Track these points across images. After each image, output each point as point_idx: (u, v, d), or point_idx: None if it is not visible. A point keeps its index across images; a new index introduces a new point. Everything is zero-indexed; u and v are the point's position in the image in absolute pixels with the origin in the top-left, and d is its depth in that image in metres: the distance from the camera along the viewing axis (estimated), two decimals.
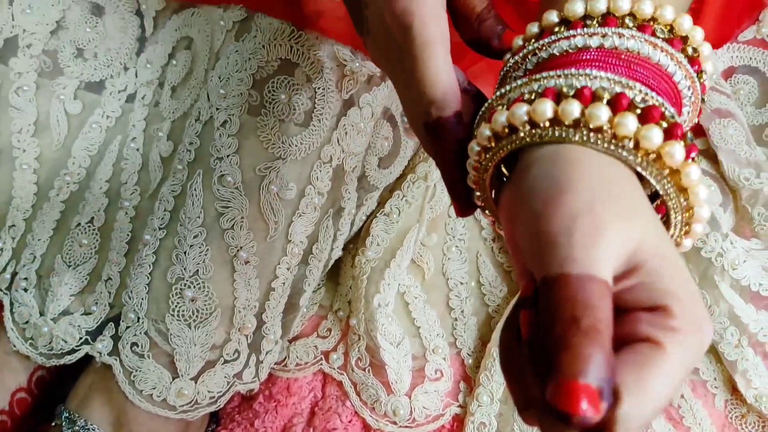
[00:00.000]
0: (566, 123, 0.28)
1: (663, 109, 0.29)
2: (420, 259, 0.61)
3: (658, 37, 0.32)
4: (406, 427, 0.58)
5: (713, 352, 0.57)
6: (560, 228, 0.25)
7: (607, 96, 0.28)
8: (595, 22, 0.33)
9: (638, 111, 0.28)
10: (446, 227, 0.62)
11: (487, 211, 0.34)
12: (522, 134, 0.29)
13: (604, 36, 0.32)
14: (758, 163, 0.59)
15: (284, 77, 0.53)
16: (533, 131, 0.29)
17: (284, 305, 0.56)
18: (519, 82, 0.31)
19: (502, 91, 0.32)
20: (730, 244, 0.56)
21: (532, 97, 0.30)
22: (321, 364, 0.62)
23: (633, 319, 0.26)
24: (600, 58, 0.31)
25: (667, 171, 0.28)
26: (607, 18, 0.32)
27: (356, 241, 0.64)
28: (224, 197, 0.52)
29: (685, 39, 0.33)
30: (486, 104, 0.33)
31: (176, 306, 0.51)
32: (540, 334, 0.25)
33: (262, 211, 0.52)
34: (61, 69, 0.59)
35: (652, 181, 0.28)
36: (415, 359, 0.60)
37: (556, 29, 0.33)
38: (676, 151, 0.27)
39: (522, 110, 0.29)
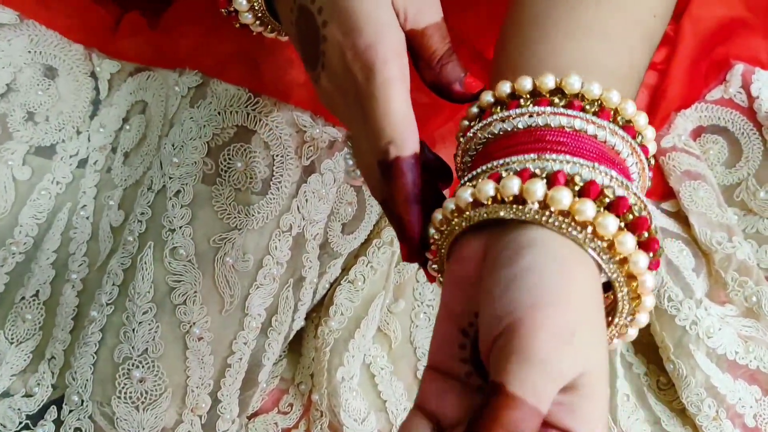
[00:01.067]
0: (506, 199, 0.30)
1: (631, 202, 0.31)
2: (386, 327, 0.60)
3: (588, 112, 0.34)
4: None
5: (691, 425, 0.56)
6: (537, 347, 0.27)
7: (579, 182, 0.31)
8: (528, 101, 0.35)
9: (606, 200, 0.30)
10: (414, 292, 0.61)
11: (434, 266, 0.35)
12: (478, 212, 0.31)
13: (537, 115, 0.34)
14: (729, 226, 0.59)
15: (241, 145, 0.52)
16: (497, 207, 0.31)
17: (241, 381, 0.54)
18: (472, 173, 0.33)
19: (473, 173, 0.34)
20: (705, 310, 0.56)
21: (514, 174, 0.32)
22: None
23: None
24: (534, 139, 0.33)
25: (618, 258, 0.30)
26: (540, 99, 0.34)
27: (320, 310, 0.62)
28: (176, 271, 0.51)
29: (615, 111, 0.35)
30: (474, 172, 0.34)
31: (123, 387, 0.49)
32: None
33: (217, 284, 0.51)
34: (10, 133, 0.57)
35: (604, 267, 0.30)
36: None
37: (493, 109, 0.35)
38: (627, 240, 0.30)
39: (489, 186, 0.31)
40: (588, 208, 0.29)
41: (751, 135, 0.61)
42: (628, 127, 0.35)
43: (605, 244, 0.30)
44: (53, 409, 0.51)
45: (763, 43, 0.64)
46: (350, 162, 0.40)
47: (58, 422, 0.50)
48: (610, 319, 0.32)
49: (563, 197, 0.29)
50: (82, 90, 0.60)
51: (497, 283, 0.29)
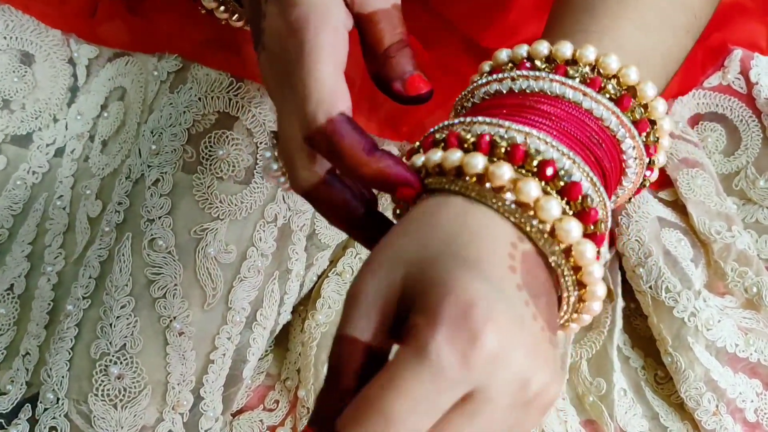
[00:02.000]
0: (468, 175, 0.29)
1: (585, 189, 0.30)
2: None
3: (607, 90, 0.33)
4: None
5: (690, 420, 0.55)
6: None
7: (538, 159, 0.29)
8: (544, 66, 0.34)
9: (560, 184, 0.29)
10: None
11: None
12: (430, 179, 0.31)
13: (536, 79, 0.33)
14: (729, 215, 0.58)
15: (222, 131, 0.52)
16: (435, 178, 0.30)
17: (225, 378, 0.53)
18: (455, 121, 0.32)
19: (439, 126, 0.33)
20: (704, 302, 0.55)
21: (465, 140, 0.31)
22: None
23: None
24: (525, 104, 0.32)
25: (559, 247, 0.29)
26: (556, 65, 0.33)
27: (307, 303, 0.61)
28: (155, 263, 0.50)
29: (633, 93, 0.33)
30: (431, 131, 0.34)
31: (100, 385, 0.48)
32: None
33: (198, 277, 0.51)
34: None
35: (546, 254, 0.29)
36: None
37: (504, 67, 0.34)
38: (572, 228, 0.28)
39: (436, 156, 0.30)
40: (506, 173, 0.28)
41: (750, 122, 0.61)
42: (640, 121, 0.34)
43: (546, 227, 0.29)
44: (28, 407, 0.50)
45: (762, 28, 0.63)
46: (267, 155, 0.37)
47: (33, 421, 0.49)
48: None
49: (503, 172, 0.28)
50: (60, 76, 0.59)
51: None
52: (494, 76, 0.34)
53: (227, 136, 0.51)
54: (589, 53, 0.33)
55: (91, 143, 0.59)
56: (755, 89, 0.60)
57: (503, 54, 0.35)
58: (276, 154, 0.35)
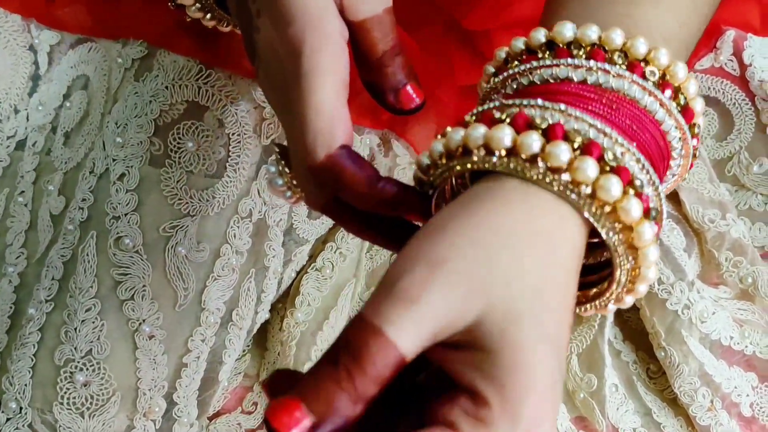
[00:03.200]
0: (523, 157, 0.28)
1: (635, 170, 0.29)
2: None
3: (648, 80, 0.31)
4: None
5: (684, 416, 0.56)
6: (397, 268, 0.26)
7: (579, 140, 0.28)
8: (582, 53, 0.32)
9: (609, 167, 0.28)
10: None
11: None
12: (475, 158, 0.28)
13: (588, 70, 0.31)
14: (723, 202, 0.58)
15: (192, 122, 0.51)
16: (486, 157, 0.28)
17: (200, 381, 0.53)
18: (491, 105, 0.31)
19: (476, 111, 0.31)
20: (697, 293, 0.55)
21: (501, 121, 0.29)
22: None
23: (450, 402, 0.26)
24: (582, 94, 0.31)
25: (619, 226, 0.28)
26: (595, 50, 0.32)
27: (285, 300, 0.61)
28: (122, 263, 0.49)
29: (677, 89, 0.32)
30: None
31: (66, 392, 0.48)
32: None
33: (169, 277, 0.50)
34: None
35: (603, 235, 0.28)
36: None
37: (540, 54, 0.33)
38: (633, 207, 0.27)
39: (479, 132, 0.28)
40: (589, 168, 0.27)
41: (743, 105, 0.60)
42: (685, 109, 0.32)
43: (610, 215, 0.28)
44: None
45: (755, 7, 0.62)
46: (272, 169, 0.37)
47: None
48: (606, 286, 0.31)
49: (562, 152, 0.27)
50: (20, 64, 0.58)
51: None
52: (561, 60, 0.32)
53: (197, 127, 0.51)
54: (641, 45, 0.32)
55: (53, 135, 0.58)
56: (748, 71, 0.59)
57: (541, 34, 0.33)
58: (281, 168, 0.35)
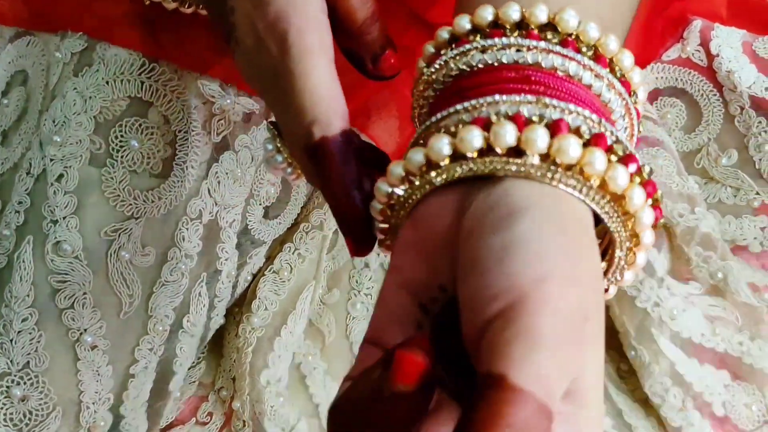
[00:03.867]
0: (500, 151, 0.27)
1: (609, 136, 0.29)
2: (319, 320, 0.59)
3: (585, 55, 0.31)
4: None
5: (656, 416, 0.55)
6: (543, 329, 0.23)
7: (586, 134, 0.28)
8: (514, 33, 0.32)
9: (583, 139, 0.28)
10: (350, 281, 0.60)
11: (387, 243, 0.33)
12: (472, 164, 0.28)
13: (528, 50, 0.31)
14: (691, 196, 0.58)
15: (135, 119, 0.50)
16: (476, 161, 0.27)
17: (149, 393, 0.52)
18: (443, 113, 0.30)
19: (432, 120, 0.30)
20: (667, 290, 0.55)
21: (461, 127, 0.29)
22: None
23: None
24: (522, 78, 0.30)
25: (609, 197, 0.28)
26: (528, 31, 0.32)
27: (241, 305, 0.60)
28: (60, 269, 0.48)
29: (611, 61, 0.32)
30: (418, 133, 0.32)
31: (2, 408, 0.47)
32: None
33: (112, 284, 0.49)
34: None
35: (597, 210, 0.28)
36: None
37: (471, 37, 0.32)
38: (619, 174, 0.27)
39: (474, 134, 0.28)
40: (598, 159, 0.27)
41: (711, 97, 0.60)
42: (623, 81, 0.32)
43: (612, 198, 0.28)
44: None
45: None
46: (269, 147, 0.37)
47: None
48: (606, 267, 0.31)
49: (571, 147, 0.26)
50: None
51: (487, 252, 0.25)
52: (497, 40, 0.31)
53: (140, 124, 0.50)
54: (592, 30, 0.31)
55: None
56: (716, 62, 0.60)
57: (465, 20, 0.33)
58: (278, 145, 0.36)
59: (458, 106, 0.29)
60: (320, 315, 0.59)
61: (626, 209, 0.28)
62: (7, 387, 0.47)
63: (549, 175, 0.27)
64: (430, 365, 0.22)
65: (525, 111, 0.28)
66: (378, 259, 0.59)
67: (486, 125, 0.28)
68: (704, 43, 0.60)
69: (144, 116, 0.50)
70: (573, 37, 0.31)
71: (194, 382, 0.59)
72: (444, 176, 0.28)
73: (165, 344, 0.52)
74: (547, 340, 0.23)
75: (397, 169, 0.29)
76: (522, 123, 0.27)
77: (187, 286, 0.52)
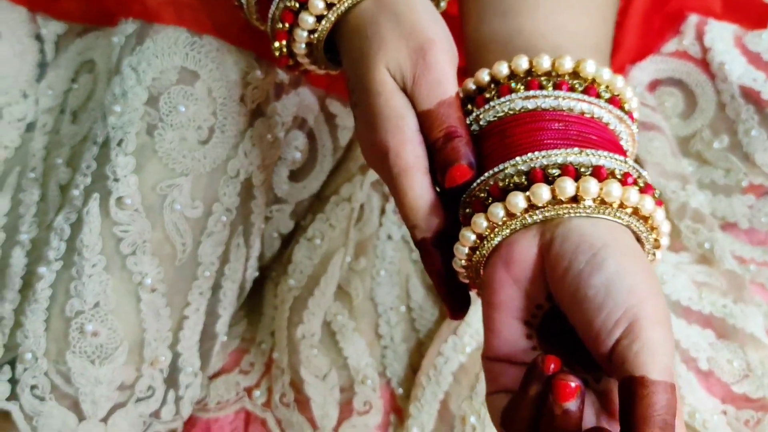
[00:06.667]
0: (564, 200, 0.36)
1: (633, 172, 0.37)
2: (347, 284, 0.62)
3: (602, 98, 0.39)
4: None
5: None
6: (655, 337, 0.32)
7: (618, 174, 0.37)
8: (549, 82, 0.39)
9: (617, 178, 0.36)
10: (375, 250, 0.62)
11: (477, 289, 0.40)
12: (541, 214, 0.36)
13: (562, 100, 0.38)
14: (684, 175, 0.61)
15: (182, 87, 0.53)
16: (548, 208, 0.36)
17: (200, 333, 0.55)
18: (497, 169, 0.37)
19: (493, 171, 0.37)
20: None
21: (518, 181, 0.37)
22: (243, 402, 0.61)
23: None
24: (562, 125, 0.38)
25: (640, 218, 0.37)
26: (559, 81, 0.39)
27: (278, 268, 0.64)
28: (123, 221, 0.51)
29: (618, 97, 0.40)
30: (465, 197, 0.39)
31: (77, 342, 0.50)
32: (625, 424, 0.31)
33: (167, 234, 0.52)
34: None
35: (635, 230, 0.37)
36: (342, 392, 0.59)
37: (512, 83, 0.39)
38: (647, 203, 0.36)
39: (518, 198, 0.36)
40: (633, 195, 0.35)
41: (705, 86, 0.63)
42: (628, 112, 0.41)
43: (642, 219, 0.36)
44: (7, 368, 0.51)
45: None
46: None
47: (14, 381, 0.50)
48: None
49: (614, 190, 0.35)
50: (28, 53, 0.61)
51: (595, 291, 0.33)
52: (538, 92, 0.39)
53: (187, 93, 0.53)
54: (605, 74, 0.39)
55: (62, 116, 0.60)
56: (709, 54, 0.63)
57: (503, 67, 0.40)
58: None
59: (518, 159, 0.36)
60: (348, 280, 0.61)
61: (653, 225, 0.37)
62: (81, 323, 0.49)
63: (602, 211, 0.35)
64: (581, 383, 0.31)
65: (572, 159, 0.36)
66: (399, 231, 0.62)
67: (546, 179, 0.35)
68: (699, 37, 0.63)
69: (191, 86, 0.53)
70: (590, 81, 0.38)
71: (237, 337, 0.63)
72: (523, 222, 0.36)
73: (211, 289, 0.55)
74: (661, 343, 0.31)
75: (479, 220, 0.37)
76: (573, 175, 0.35)
77: (227, 237, 0.55)
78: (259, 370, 0.62)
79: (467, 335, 0.57)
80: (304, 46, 0.45)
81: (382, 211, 0.64)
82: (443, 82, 0.39)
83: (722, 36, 0.64)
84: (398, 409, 0.59)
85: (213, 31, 0.54)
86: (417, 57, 0.39)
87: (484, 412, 0.54)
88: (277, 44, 0.45)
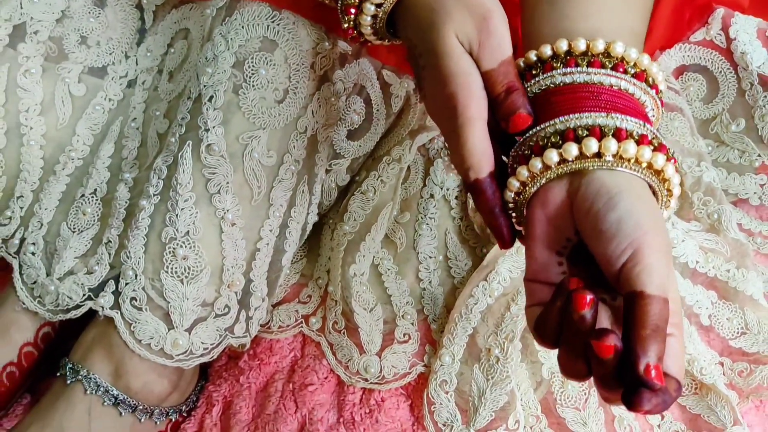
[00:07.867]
0: (589, 155, 0.41)
1: (649, 134, 0.41)
2: (393, 234, 0.66)
3: (628, 73, 0.43)
4: (376, 383, 0.62)
5: None
6: (654, 262, 0.36)
7: (636, 135, 0.42)
8: (584, 60, 0.44)
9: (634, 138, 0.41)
10: (418, 206, 0.66)
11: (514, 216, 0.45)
12: (569, 166, 0.41)
13: (594, 75, 0.43)
14: (700, 153, 0.64)
15: (263, 54, 0.57)
16: (590, 161, 0.41)
17: (268, 265, 0.59)
18: (539, 128, 0.43)
19: (538, 128, 0.43)
20: (671, 225, 0.61)
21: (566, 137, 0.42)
22: (301, 327, 0.66)
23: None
24: (593, 95, 0.42)
25: (653, 172, 0.41)
26: (593, 60, 0.43)
27: (336, 216, 0.67)
28: (211, 164, 0.55)
29: (645, 72, 0.44)
30: (512, 151, 0.44)
31: (169, 263, 0.54)
32: (626, 327, 0.36)
33: (246, 177, 0.56)
34: (66, 54, 0.63)
35: (648, 182, 0.42)
36: (386, 323, 0.63)
37: (554, 62, 0.44)
38: (659, 159, 0.41)
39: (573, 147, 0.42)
40: (646, 153, 0.40)
41: (728, 73, 0.66)
42: (653, 85, 0.44)
43: (655, 173, 0.41)
44: (111, 283, 0.56)
45: None
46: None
47: (116, 293, 0.56)
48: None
49: (630, 148, 0.40)
50: (129, 19, 0.66)
51: (609, 225, 0.38)
52: (574, 69, 0.44)
53: (267, 59, 0.56)
54: (633, 53, 0.43)
55: (159, 76, 0.64)
56: (733, 44, 0.65)
57: (548, 49, 0.44)
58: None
59: (556, 120, 0.41)
60: (394, 231, 0.65)
61: (664, 177, 0.41)
62: (174, 248, 0.54)
63: (621, 165, 0.39)
64: (595, 297, 0.36)
65: (600, 121, 0.40)
66: (441, 192, 0.66)
67: (576, 138, 0.40)
68: (725, 29, 0.66)
69: (270, 53, 0.56)
70: (619, 59, 0.42)
71: (297, 273, 0.68)
72: (557, 172, 0.41)
73: (279, 228, 0.58)
74: (658, 267, 0.36)
75: (523, 170, 0.42)
76: (598, 135, 0.40)
77: (294, 184, 0.58)
78: (315, 301, 0.67)
79: (495, 281, 0.61)
80: (370, 18, 0.48)
81: (426, 173, 0.67)
82: (503, 45, 0.43)
83: (746, 28, 0.66)
84: (433, 342, 0.64)
85: (290, 7, 0.57)
86: (481, 25, 0.43)
87: (507, 346, 0.58)
88: (346, 17, 0.48)
